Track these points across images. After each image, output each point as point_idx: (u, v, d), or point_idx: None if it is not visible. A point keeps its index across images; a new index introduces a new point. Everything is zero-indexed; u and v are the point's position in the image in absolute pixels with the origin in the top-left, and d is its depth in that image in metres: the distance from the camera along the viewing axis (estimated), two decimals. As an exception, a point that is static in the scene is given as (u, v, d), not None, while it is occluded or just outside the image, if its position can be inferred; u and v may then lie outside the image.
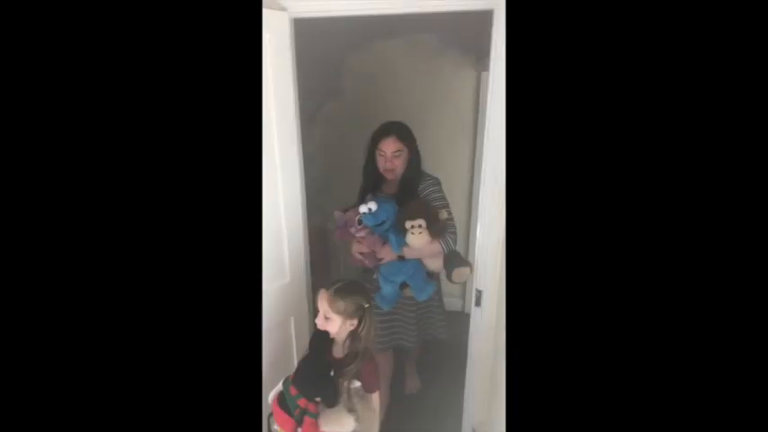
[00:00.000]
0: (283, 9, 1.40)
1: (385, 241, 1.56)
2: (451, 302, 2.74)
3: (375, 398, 1.23)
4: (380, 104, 2.53)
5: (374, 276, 1.68)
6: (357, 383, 1.19)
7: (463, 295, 2.84)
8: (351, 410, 1.15)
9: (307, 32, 1.51)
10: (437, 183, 1.67)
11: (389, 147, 1.59)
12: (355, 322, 1.20)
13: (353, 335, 1.21)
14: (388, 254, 1.56)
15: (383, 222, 1.51)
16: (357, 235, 1.57)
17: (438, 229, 1.55)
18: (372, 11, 1.41)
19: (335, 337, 1.23)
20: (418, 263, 1.61)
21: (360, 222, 1.54)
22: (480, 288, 1.59)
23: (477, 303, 1.62)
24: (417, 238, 1.51)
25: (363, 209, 1.51)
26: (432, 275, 1.68)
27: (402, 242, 1.53)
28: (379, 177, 1.68)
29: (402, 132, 1.61)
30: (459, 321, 1.84)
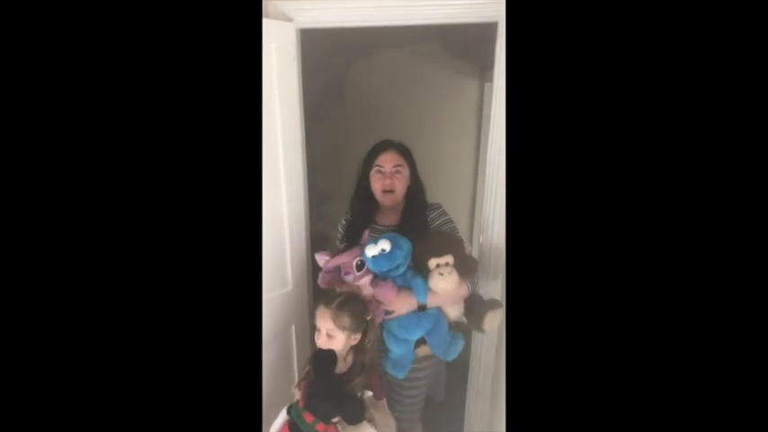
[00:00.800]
0: (290, 20, 1.41)
1: (399, 288, 1.20)
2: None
3: (384, 403, 1.22)
4: (384, 114, 2.55)
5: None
6: (369, 393, 1.17)
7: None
8: (369, 420, 1.12)
9: (312, 43, 1.52)
10: (445, 211, 1.41)
11: (388, 161, 1.33)
12: (359, 335, 1.15)
13: (358, 347, 1.16)
14: (403, 305, 1.21)
15: (398, 265, 1.19)
16: (357, 283, 1.23)
17: (468, 266, 1.23)
18: (377, 22, 1.43)
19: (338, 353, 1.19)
20: (439, 312, 1.27)
21: (360, 267, 1.22)
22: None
23: (480, 314, 1.61)
24: (447, 281, 1.17)
25: (373, 250, 1.18)
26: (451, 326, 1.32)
27: (426, 287, 1.20)
28: (372, 205, 1.40)
29: (402, 148, 1.38)
30: (462, 332, 1.82)
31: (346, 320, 1.11)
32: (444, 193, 2.52)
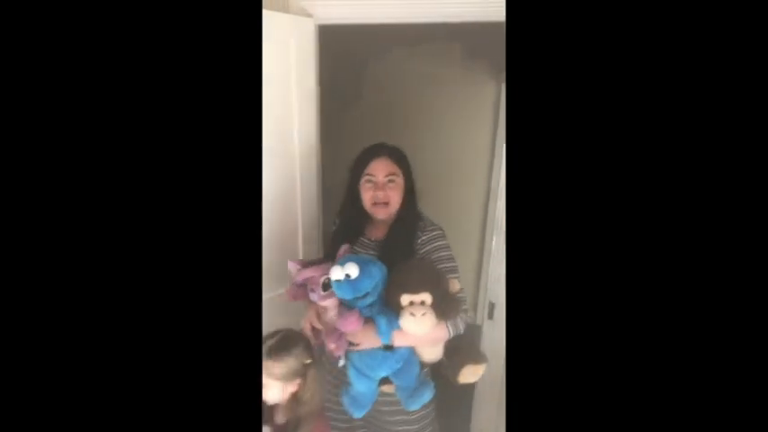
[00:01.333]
0: (309, 15, 1.41)
1: (366, 319, 1.03)
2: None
3: None
4: (400, 112, 2.54)
5: (340, 364, 1.13)
6: None
7: (475, 307, 2.81)
8: None
9: (331, 39, 1.52)
10: (443, 236, 1.19)
11: (381, 169, 1.16)
12: (298, 382, 0.98)
13: (295, 397, 0.99)
14: (368, 339, 1.04)
15: (366, 294, 1.01)
16: (321, 303, 1.07)
17: (448, 308, 1.05)
18: (396, 19, 1.42)
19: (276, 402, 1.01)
20: (410, 352, 1.11)
21: (326, 287, 1.05)
22: (493, 300, 1.58)
23: (490, 316, 1.60)
24: (419, 323, 0.99)
25: (338, 274, 1.00)
26: (424, 367, 1.18)
27: (395, 326, 1.01)
28: (362, 217, 1.23)
29: (397, 154, 1.20)
30: (471, 334, 1.80)
31: (278, 369, 0.94)
32: (458, 193, 2.52)
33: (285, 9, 1.38)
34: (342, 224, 1.27)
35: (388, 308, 1.03)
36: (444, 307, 1.03)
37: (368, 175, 1.17)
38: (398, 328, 1.01)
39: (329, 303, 1.05)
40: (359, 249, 1.20)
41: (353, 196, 1.21)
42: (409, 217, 1.19)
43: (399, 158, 1.19)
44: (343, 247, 1.12)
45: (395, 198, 1.16)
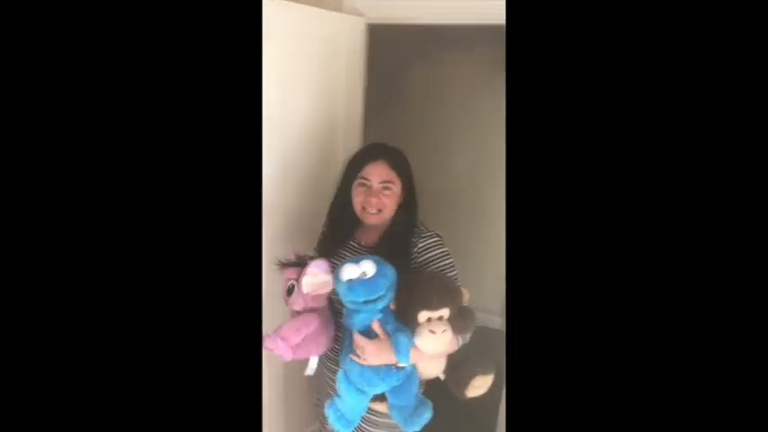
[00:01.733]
0: (360, 14, 1.46)
1: (386, 336, 0.96)
2: (489, 319, 2.70)
3: None
4: (440, 113, 2.56)
5: (307, 372, 1.11)
6: None
7: (503, 312, 2.79)
8: None
9: (379, 38, 1.56)
10: (441, 243, 1.09)
11: (377, 175, 1.06)
12: None
13: None
14: (379, 357, 0.96)
15: (378, 298, 0.92)
16: (293, 308, 1.06)
17: (466, 323, 0.98)
18: (445, 20, 1.44)
19: None
20: (412, 368, 1.02)
21: (289, 292, 1.04)
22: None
23: (516, 323, 1.59)
24: (439, 341, 0.92)
25: (352, 272, 0.92)
26: (421, 385, 1.09)
27: (411, 344, 0.93)
28: (352, 221, 1.13)
29: (396, 159, 1.09)
30: (497, 341, 1.75)
31: None
32: (487, 195, 2.50)
33: (338, 8, 1.43)
34: (330, 226, 1.18)
35: (401, 323, 0.96)
36: (461, 322, 0.96)
37: (362, 178, 1.08)
38: (414, 345, 0.94)
39: (295, 306, 1.05)
40: (347, 254, 1.13)
41: (345, 198, 1.11)
42: (404, 223, 1.11)
43: (399, 164, 1.09)
44: (355, 244, 1.11)
45: (389, 206, 1.07)
